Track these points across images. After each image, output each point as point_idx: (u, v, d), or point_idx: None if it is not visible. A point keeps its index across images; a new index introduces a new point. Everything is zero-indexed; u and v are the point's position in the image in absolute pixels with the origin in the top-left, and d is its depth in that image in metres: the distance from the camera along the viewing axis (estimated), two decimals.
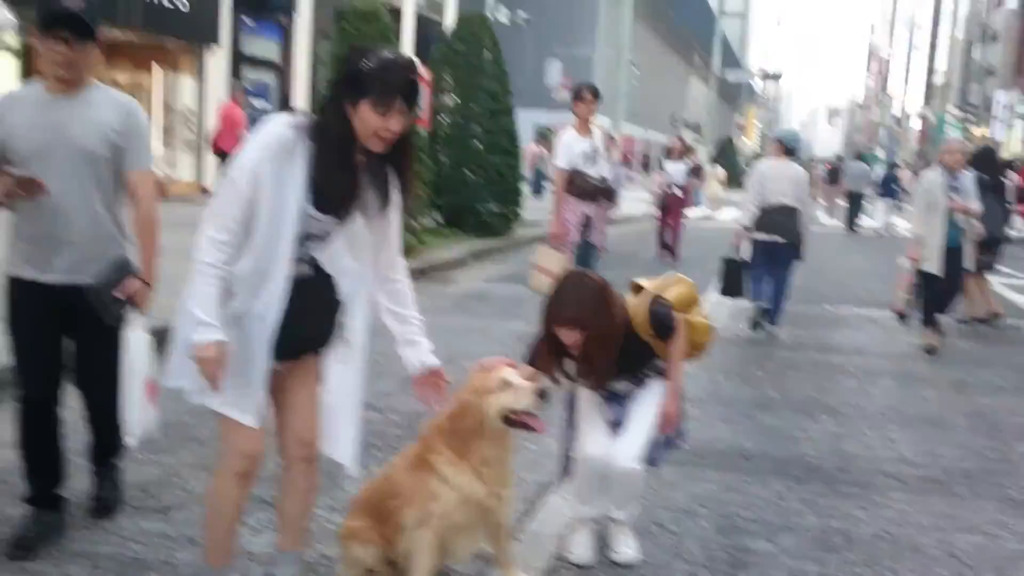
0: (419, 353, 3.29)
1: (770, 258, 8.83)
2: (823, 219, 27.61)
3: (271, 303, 2.92)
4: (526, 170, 22.84)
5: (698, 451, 5.44)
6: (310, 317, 3.07)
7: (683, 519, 4.44)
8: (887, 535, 4.38)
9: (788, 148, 9.00)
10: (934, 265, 8.41)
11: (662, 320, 3.63)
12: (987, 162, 10.05)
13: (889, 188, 25.13)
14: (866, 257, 18.26)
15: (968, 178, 8.48)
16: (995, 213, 9.63)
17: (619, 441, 3.77)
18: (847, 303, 11.74)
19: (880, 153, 65.11)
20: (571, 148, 8.24)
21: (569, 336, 3.43)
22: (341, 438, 3.25)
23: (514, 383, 3.28)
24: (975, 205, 8.43)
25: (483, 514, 3.38)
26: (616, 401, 3.84)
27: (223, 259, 2.88)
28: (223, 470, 3.12)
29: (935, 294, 8.62)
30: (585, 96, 8.28)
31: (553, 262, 8.09)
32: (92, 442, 4.14)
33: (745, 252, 8.96)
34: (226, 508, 3.15)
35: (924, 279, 8.58)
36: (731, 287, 8.84)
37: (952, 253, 8.44)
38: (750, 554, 4.09)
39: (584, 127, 8.32)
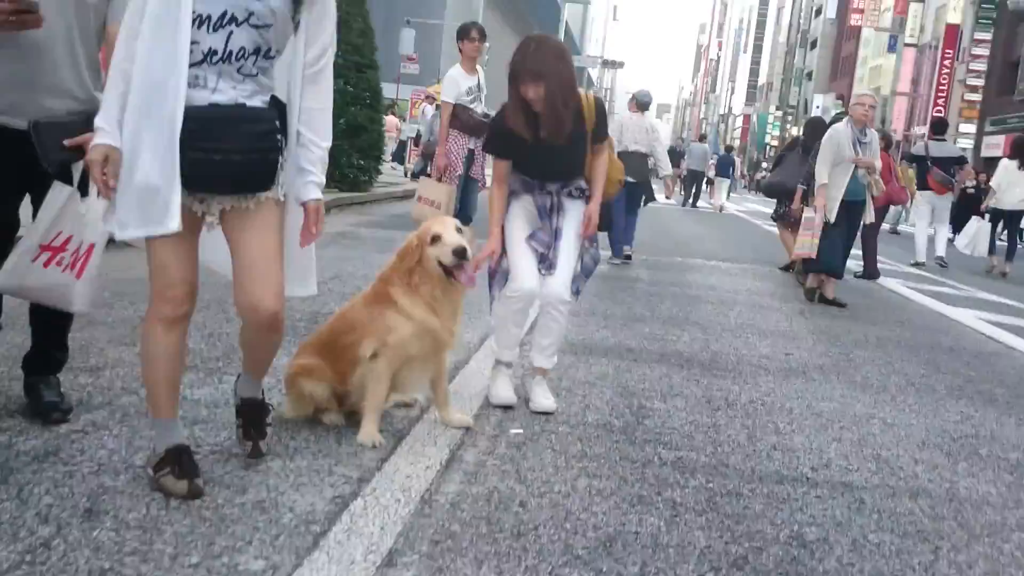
0: (302, 184, 3.05)
1: (627, 195, 9.94)
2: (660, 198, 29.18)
3: (167, 104, 2.76)
4: (392, 142, 22.97)
5: (587, 346, 5.94)
6: (229, 145, 2.85)
7: (587, 388, 4.90)
8: (761, 401, 5.00)
9: (641, 104, 10.86)
10: (832, 214, 8.67)
11: (604, 114, 4.30)
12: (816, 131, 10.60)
13: (726, 169, 27.53)
14: (706, 227, 19.51)
15: (875, 135, 8.85)
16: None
17: (551, 276, 4.21)
18: (694, 257, 12.64)
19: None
20: (458, 84, 8.56)
21: (535, 91, 3.91)
22: (298, 274, 3.22)
23: (443, 238, 3.57)
24: (878, 163, 8.92)
25: (435, 346, 3.72)
26: (544, 218, 4.28)
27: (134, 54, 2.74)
28: (149, 316, 2.97)
29: (832, 243, 8.82)
30: (472, 35, 8.62)
31: (436, 193, 8.41)
32: (37, 344, 3.80)
33: None
34: (158, 356, 2.97)
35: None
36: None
37: (853, 207, 8.81)
38: (649, 411, 4.60)
39: (470, 66, 8.66)
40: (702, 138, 31.96)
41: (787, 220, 10.71)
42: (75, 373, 4.22)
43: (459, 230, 3.62)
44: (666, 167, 11.07)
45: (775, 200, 11.52)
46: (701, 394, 5.03)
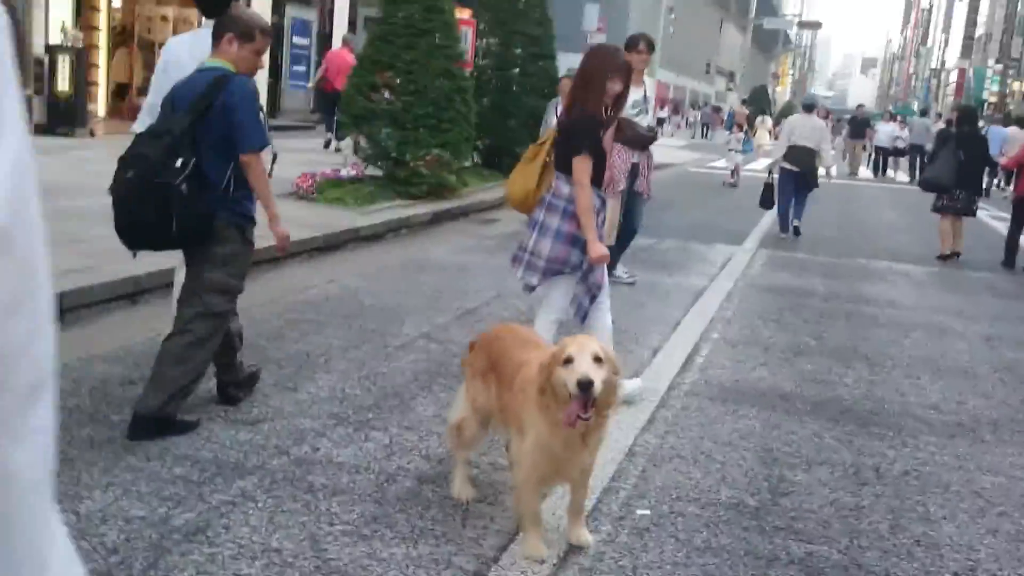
0: None
1: (793, 182, 13.00)
2: (861, 172, 27.94)
3: None
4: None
5: (739, 391, 5.80)
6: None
7: (727, 451, 4.81)
8: (916, 473, 4.73)
9: (807, 106, 13.91)
10: None
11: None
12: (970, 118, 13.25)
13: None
14: (900, 213, 18.40)
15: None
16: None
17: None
18: (880, 258, 11.99)
19: (915, 106, 64.18)
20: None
21: (615, 85, 4.86)
22: None
23: (574, 363, 3.23)
24: None
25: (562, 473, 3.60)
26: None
27: None
28: None
29: None
30: (640, 48, 8.48)
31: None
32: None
33: (776, 176, 13.43)
34: None
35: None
36: (765, 201, 13.66)
37: None
38: (790, 483, 4.46)
39: (637, 78, 8.52)
40: (923, 112, 30.85)
41: (948, 210, 12.00)
42: (236, 428, 4.57)
43: (598, 359, 3.20)
44: (828, 159, 13.72)
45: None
46: (850, 462, 4.82)
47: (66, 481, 3.79)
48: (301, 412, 4.87)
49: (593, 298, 4.97)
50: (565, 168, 4.89)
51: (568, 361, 3.24)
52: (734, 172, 20.57)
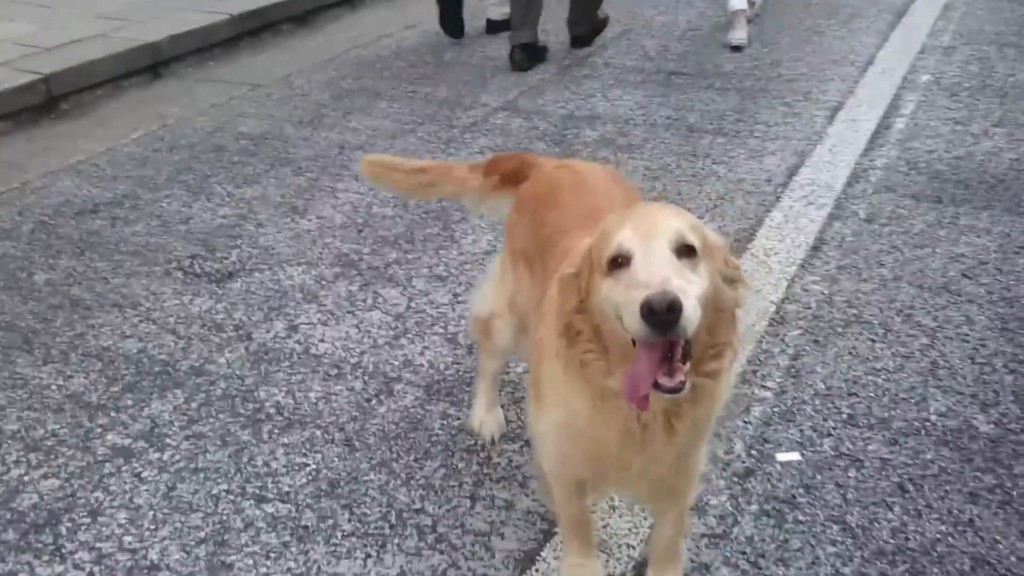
0: None
1: None
2: None
3: None
4: None
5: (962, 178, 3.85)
6: None
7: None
8: None
9: None
10: None
11: None
12: None
13: None
14: None
15: None
16: None
17: None
18: None
19: None
20: None
21: None
22: None
23: (634, 262, 1.61)
24: None
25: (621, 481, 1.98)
26: None
27: None
28: None
29: None
30: None
31: None
32: None
33: None
34: None
35: None
36: None
37: None
38: None
39: None
40: None
41: None
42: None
43: (686, 250, 1.46)
44: None
45: None
46: None
47: None
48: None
49: None
50: None
51: (619, 263, 1.47)
52: None
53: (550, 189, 2.08)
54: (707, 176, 4.00)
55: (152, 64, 5.55)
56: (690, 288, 1.41)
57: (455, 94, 5.10)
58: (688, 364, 1.47)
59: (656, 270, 1.41)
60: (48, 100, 4.95)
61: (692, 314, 1.36)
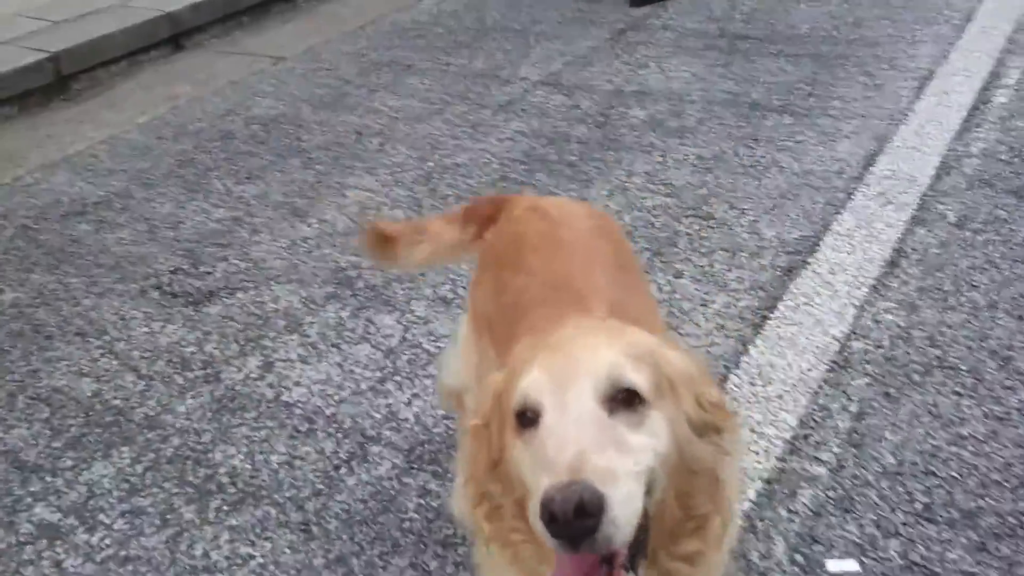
0: None
1: None
2: None
3: None
4: None
5: None
6: None
7: None
8: None
9: None
10: None
11: None
12: None
13: None
14: None
15: None
16: None
17: None
18: None
19: None
20: None
21: None
22: None
23: (544, 425, 1.19)
24: None
25: None
26: None
27: None
28: None
29: None
30: None
31: None
32: None
33: None
34: None
35: None
36: None
37: None
38: None
39: None
40: None
41: None
42: None
43: (628, 396, 1.02)
44: None
45: None
46: None
47: None
48: None
49: None
50: None
51: (528, 420, 1.04)
52: None
53: (515, 243, 1.63)
54: (768, 167, 3.44)
55: (172, 36, 5.18)
56: (623, 466, 0.95)
57: (492, 66, 4.60)
58: (640, 569, 1.02)
59: (568, 440, 0.95)
60: (58, 80, 4.62)
61: (623, 514, 0.92)
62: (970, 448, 2.12)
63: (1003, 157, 3.37)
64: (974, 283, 2.70)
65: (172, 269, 3.06)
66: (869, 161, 3.41)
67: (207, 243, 3.20)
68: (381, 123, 4.05)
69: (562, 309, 1.36)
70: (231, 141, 3.98)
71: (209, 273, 3.02)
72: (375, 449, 2.24)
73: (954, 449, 2.12)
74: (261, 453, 2.26)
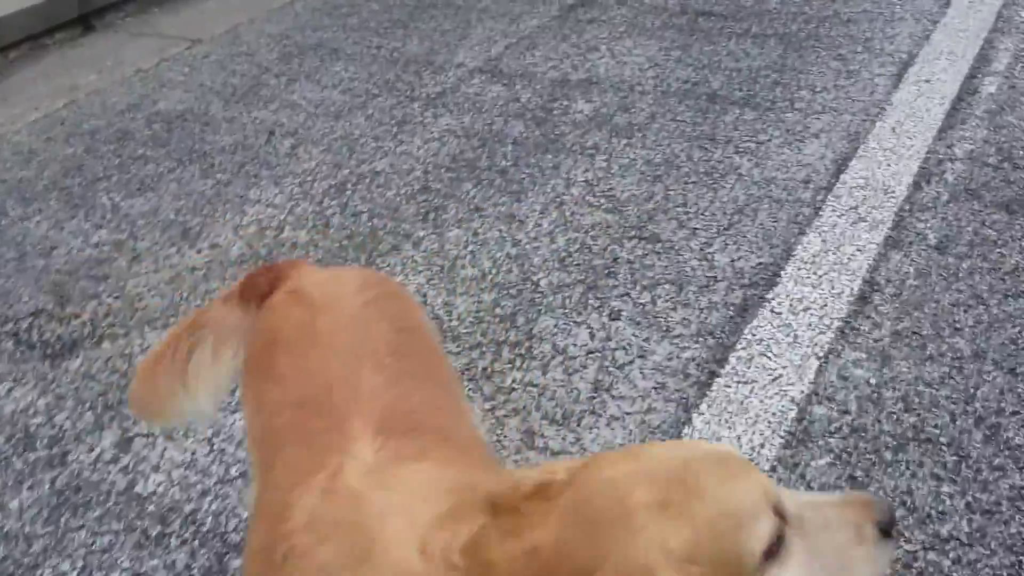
0: None
1: None
2: None
3: None
4: None
5: None
6: None
7: None
8: None
9: None
10: None
11: None
12: None
13: None
14: None
15: None
16: None
17: None
18: None
19: None
20: None
21: None
22: None
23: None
24: None
25: None
26: None
27: None
28: None
29: None
30: None
31: None
32: None
33: None
34: None
35: None
36: None
37: None
38: None
39: None
40: None
41: None
42: None
43: None
44: None
45: None
46: None
47: None
48: None
49: None
50: None
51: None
52: None
53: (268, 342, 1.26)
54: (725, 174, 3.03)
55: (82, 15, 4.70)
56: None
57: (427, 49, 4.15)
58: None
59: None
60: None
61: None
62: (951, 554, 1.75)
63: (991, 161, 2.98)
64: (957, 325, 2.32)
65: (34, 311, 2.64)
66: (840, 166, 3.01)
67: (80, 275, 2.78)
68: (297, 120, 3.61)
69: (312, 444, 1.01)
70: (127, 143, 3.54)
71: (76, 316, 2.61)
72: (237, 564, 1.85)
73: (932, 556, 1.75)
74: (100, 570, 1.87)
